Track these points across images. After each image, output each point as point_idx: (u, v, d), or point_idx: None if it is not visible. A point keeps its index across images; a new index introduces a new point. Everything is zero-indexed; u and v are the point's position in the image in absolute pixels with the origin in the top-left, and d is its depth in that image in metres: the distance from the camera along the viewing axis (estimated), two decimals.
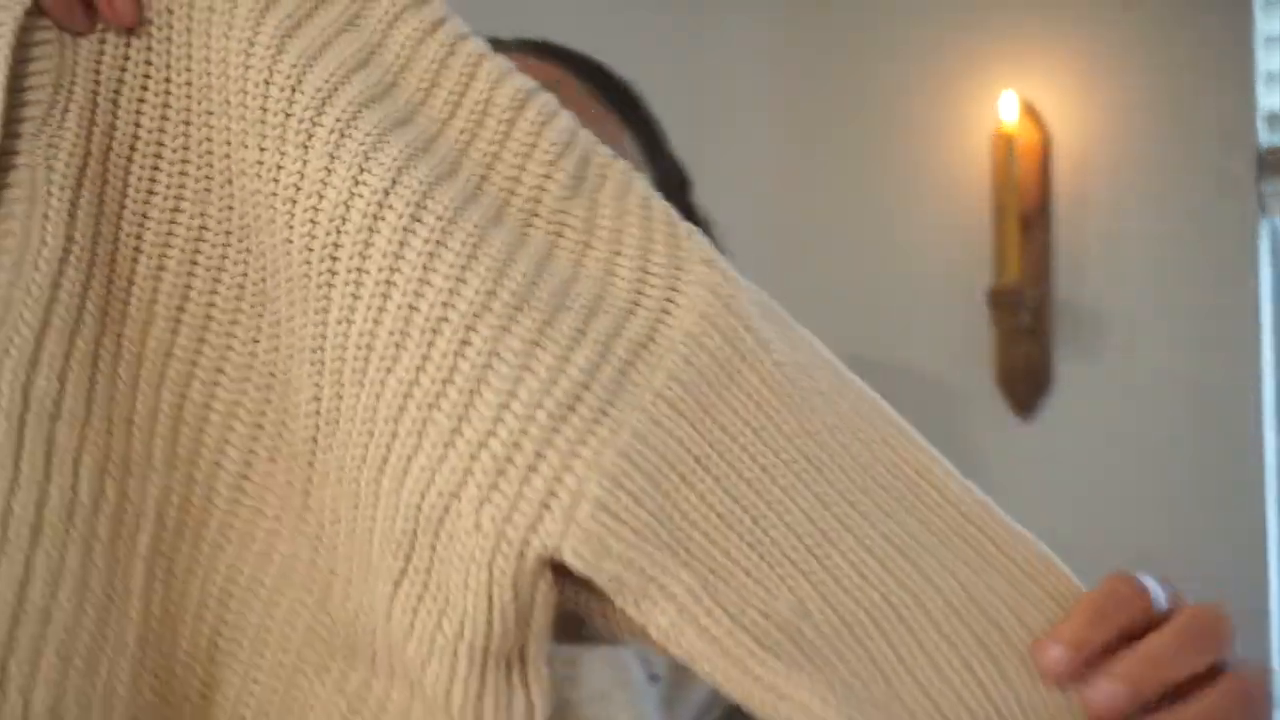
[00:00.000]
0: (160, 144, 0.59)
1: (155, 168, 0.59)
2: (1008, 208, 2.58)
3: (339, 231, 0.54)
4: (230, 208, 0.58)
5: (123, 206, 0.58)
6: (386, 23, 0.58)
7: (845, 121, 2.65)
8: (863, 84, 2.69)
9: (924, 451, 0.60)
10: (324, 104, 0.55)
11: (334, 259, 0.54)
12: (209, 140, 0.58)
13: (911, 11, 2.69)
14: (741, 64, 2.70)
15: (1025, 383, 2.62)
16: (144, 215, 0.59)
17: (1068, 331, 2.62)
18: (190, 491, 0.58)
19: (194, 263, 0.59)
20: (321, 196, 0.54)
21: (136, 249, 0.58)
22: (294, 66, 0.55)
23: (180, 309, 0.58)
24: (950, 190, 2.66)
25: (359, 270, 0.54)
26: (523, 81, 0.59)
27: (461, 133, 0.58)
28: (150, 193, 0.59)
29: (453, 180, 0.56)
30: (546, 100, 0.60)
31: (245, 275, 0.58)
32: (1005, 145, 2.57)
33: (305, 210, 0.55)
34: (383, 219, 0.54)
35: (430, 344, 0.53)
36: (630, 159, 0.78)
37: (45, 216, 0.55)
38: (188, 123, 0.58)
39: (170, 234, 0.59)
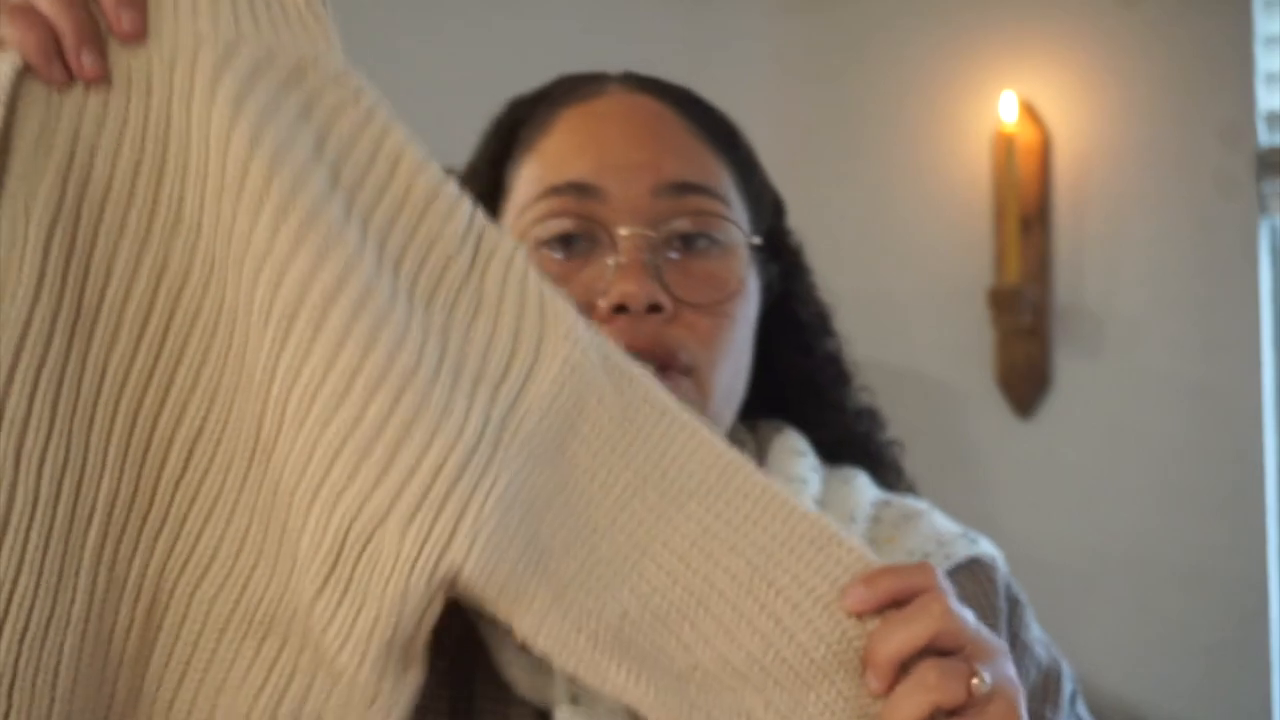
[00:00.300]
0: (133, 190, 0.69)
1: (127, 211, 0.69)
2: (1008, 208, 2.58)
3: (299, 301, 0.66)
4: (193, 252, 0.69)
5: (94, 244, 0.68)
6: (331, 115, 0.70)
7: (845, 122, 2.66)
8: (863, 84, 2.69)
9: (723, 454, 0.73)
10: (294, 194, 0.67)
11: (291, 320, 0.67)
12: (180, 192, 0.69)
13: (911, 12, 2.69)
14: (741, 65, 2.70)
15: (1025, 382, 2.62)
16: (114, 250, 0.68)
17: (1067, 331, 2.62)
18: (137, 487, 0.69)
19: (155, 293, 0.69)
20: (286, 270, 0.66)
21: (106, 279, 0.68)
22: (270, 156, 0.67)
23: (141, 332, 0.69)
24: (950, 190, 2.66)
25: (312, 335, 0.67)
26: (433, 175, 0.72)
27: (386, 219, 0.70)
28: (121, 232, 0.68)
29: (381, 271, 0.69)
30: (451, 191, 0.72)
31: (201, 307, 0.70)
32: (1005, 145, 2.58)
33: (270, 276, 0.67)
34: (338, 298, 0.67)
35: (367, 402, 0.67)
36: (724, 191, 0.86)
37: (22, 256, 0.65)
38: (160, 174, 0.69)
39: (137, 268, 0.69)
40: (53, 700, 0.66)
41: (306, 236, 0.67)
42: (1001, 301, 2.58)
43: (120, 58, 0.68)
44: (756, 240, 0.90)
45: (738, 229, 0.88)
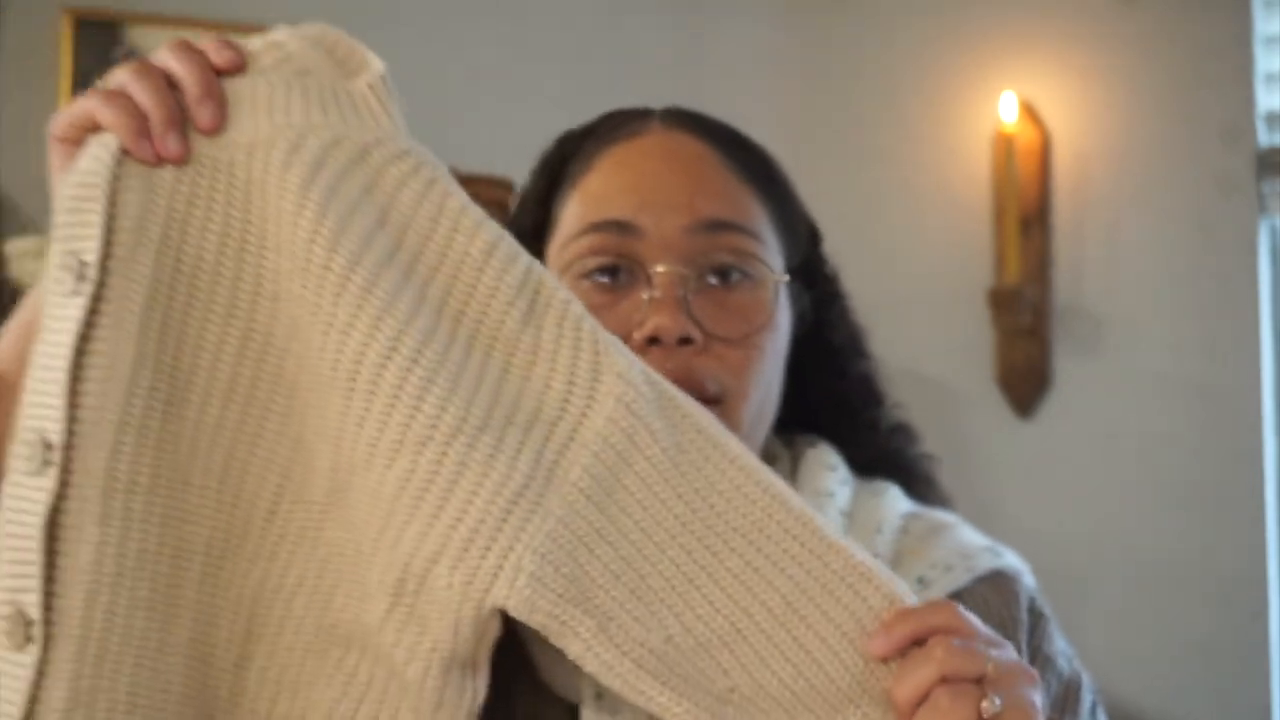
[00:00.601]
0: (219, 264, 0.76)
1: (215, 283, 0.76)
2: (1008, 208, 2.58)
3: (359, 363, 0.74)
4: (275, 318, 0.77)
5: (187, 314, 0.76)
6: (394, 189, 0.77)
7: (845, 122, 2.66)
8: (862, 84, 2.69)
9: (767, 490, 0.78)
10: (353, 267, 0.74)
11: (354, 380, 0.75)
12: (261, 265, 0.76)
13: (911, 12, 2.69)
14: (741, 64, 2.70)
15: (1025, 382, 2.62)
16: (205, 319, 0.76)
17: (1067, 331, 2.62)
18: (231, 527, 0.78)
19: (241, 356, 0.77)
20: (347, 336, 0.74)
21: (198, 346, 0.76)
22: (332, 233, 0.74)
23: (230, 391, 0.77)
24: (950, 191, 2.66)
25: (371, 393, 0.74)
26: (490, 233, 0.78)
27: (448, 279, 0.77)
28: (210, 302, 0.76)
29: (440, 324, 0.76)
30: (508, 246, 0.78)
31: (282, 367, 0.78)
32: (1005, 145, 2.58)
33: (335, 341, 0.75)
34: (391, 360, 0.74)
35: (419, 453, 0.74)
36: (757, 227, 0.92)
37: (124, 337, 0.73)
38: (243, 250, 0.76)
39: (225, 334, 0.77)
40: (165, 710, 0.75)
41: (364, 306, 0.74)
42: (1001, 301, 2.59)
43: (205, 145, 0.76)
44: (785, 278, 0.95)
45: (768, 267, 0.93)
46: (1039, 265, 2.61)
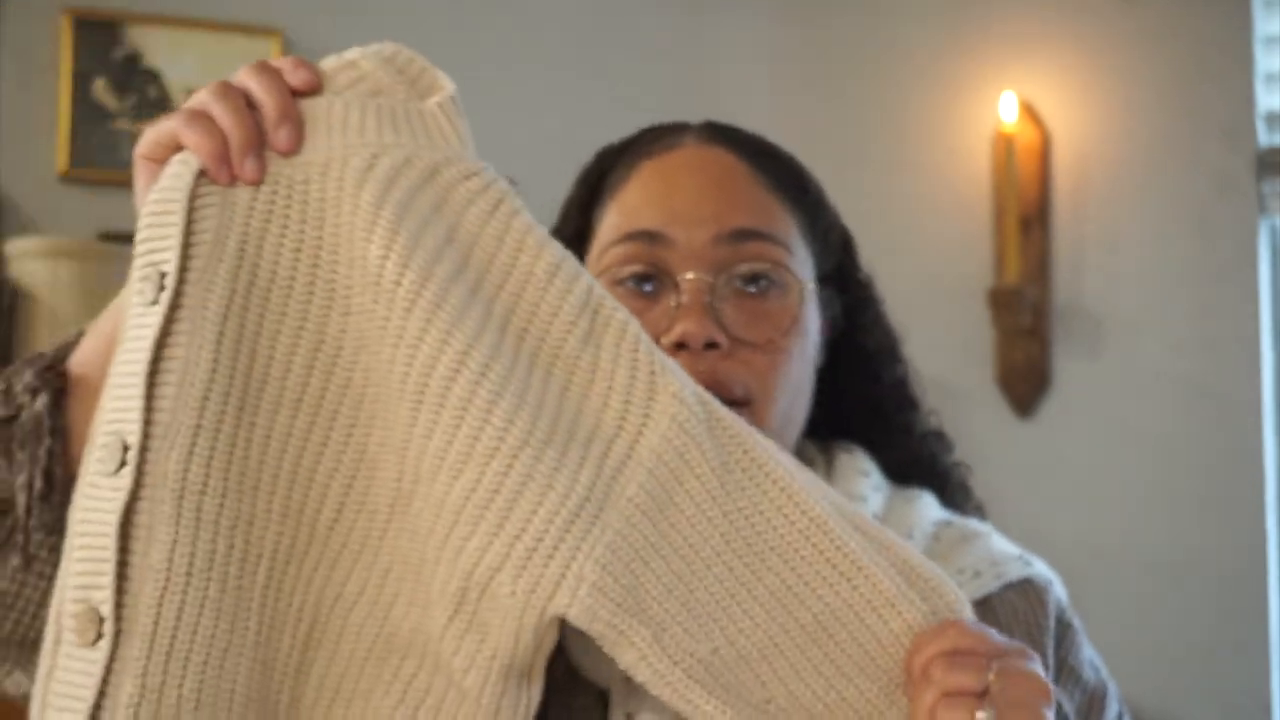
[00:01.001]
0: (293, 277, 0.79)
1: (288, 296, 0.79)
2: (1008, 208, 2.58)
3: (428, 375, 0.77)
4: (344, 331, 0.80)
5: (261, 324, 0.79)
6: (462, 207, 0.80)
7: (845, 122, 2.66)
8: (862, 85, 2.70)
9: (806, 512, 0.81)
10: (424, 282, 0.77)
11: (422, 392, 0.77)
12: (333, 280, 0.80)
13: (911, 12, 2.69)
14: (741, 64, 2.70)
15: (1025, 382, 2.62)
16: (278, 330, 0.79)
17: (1067, 331, 2.62)
18: (297, 534, 0.81)
19: (311, 367, 0.80)
20: (417, 349, 0.77)
21: (270, 356, 0.79)
22: (404, 249, 0.77)
23: (299, 400, 0.80)
24: (950, 191, 2.66)
25: (439, 406, 0.77)
26: (554, 254, 0.81)
27: (512, 297, 0.80)
28: (284, 314, 0.79)
29: (504, 341, 0.79)
30: (570, 265, 0.81)
31: (351, 378, 0.80)
32: (1005, 145, 2.58)
33: (405, 354, 0.78)
34: (460, 373, 0.77)
35: (486, 465, 0.77)
36: (785, 236, 0.96)
37: (200, 346, 0.77)
38: (315, 265, 0.79)
39: (296, 344, 0.80)
40: (230, 711, 0.78)
41: (433, 320, 0.77)
42: (1001, 301, 2.59)
43: (282, 164, 0.79)
44: (810, 286, 0.98)
45: (794, 275, 0.96)
46: (1039, 265, 2.61)
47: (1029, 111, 2.61)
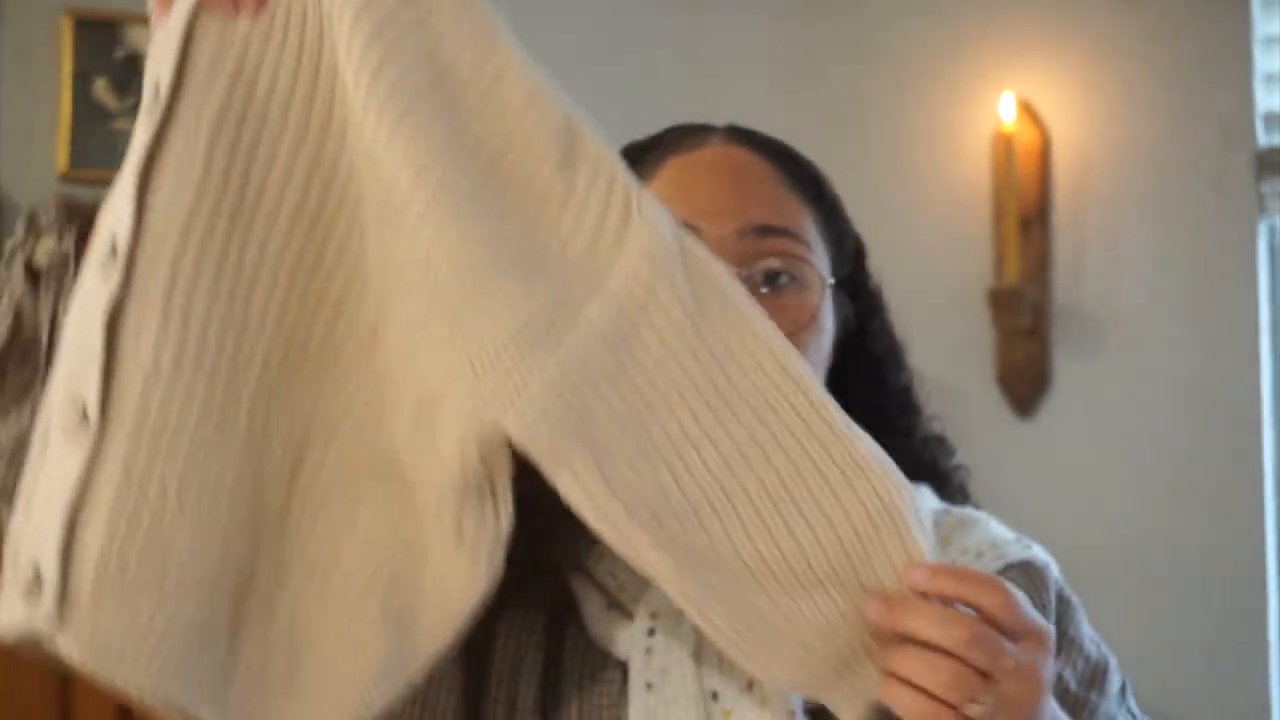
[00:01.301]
0: (291, 94, 0.80)
1: (287, 111, 0.79)
2: (1007, 208, 2.58)
3: (392, 189, 0.76)
4: (342, 148, 0.80)
5: (259, 138, 0.79)
6: (446, 27, 0.80)
7: (845, 123, 2.66)
8: (862, 85, 2.70)
9: (785, 368, 0.79)
10: (393, 92, 0.77)
11: (387, 206, 0.77)
12: (331, 96, 0.79)
13: (911, 13, 2.69)
14: (741, 64, 2.70)
15: (1025, 382, 2.62)
16: (276, 145, 0.79)
17: (1067, 331, 2.62)
18: (290, 346, 0.81)
19: (309, 181, 0.80)
20: (384, 161, 0.76)
21: (268, 169, 0.79)
22: (378, 58, 0.77)
23: (296, 213, 0.80)
24: (950, 191, 2.66)
25: (399, 219, 0.76)
26: (534, 79, 0.81)
27: (490, 120, 0.79)
28: (282, 128, 0.79)
29: (477, 158, 0.79)
30: (548, 94, 0.80)
31: (345, 195, 0.80)
32: (1005, 146, 2.58)
33: (375, 167, 0.77)
34: (420, 186, 0.76)
35: (441, 279, 0.76)
36: (806, 234, 0.97)
37: (193, 151, 0.77)
38: (315, 80, 0.80)
39: (294, 160, 0.80)
40: (215, 511, 0.77)
41: (399, 131, 0.76)
42: (1001, 302, 2.59)
43: None
44: (831, 280, 1.00)
45: (814, 269, 0.98)
46: (1039, 265, 2.61)
47: (1029, 112, 2.61)
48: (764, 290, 0.95)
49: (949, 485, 1.09)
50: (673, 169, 1.00)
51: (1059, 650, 0.97)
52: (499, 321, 0.76)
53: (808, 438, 0.79)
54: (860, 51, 2.70)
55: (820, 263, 0.99)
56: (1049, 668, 0.78)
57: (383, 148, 0.77)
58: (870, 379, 1.06)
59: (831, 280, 1.00)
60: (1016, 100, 2.59)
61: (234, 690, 0.78)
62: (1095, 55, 2.63)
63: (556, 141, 0.80)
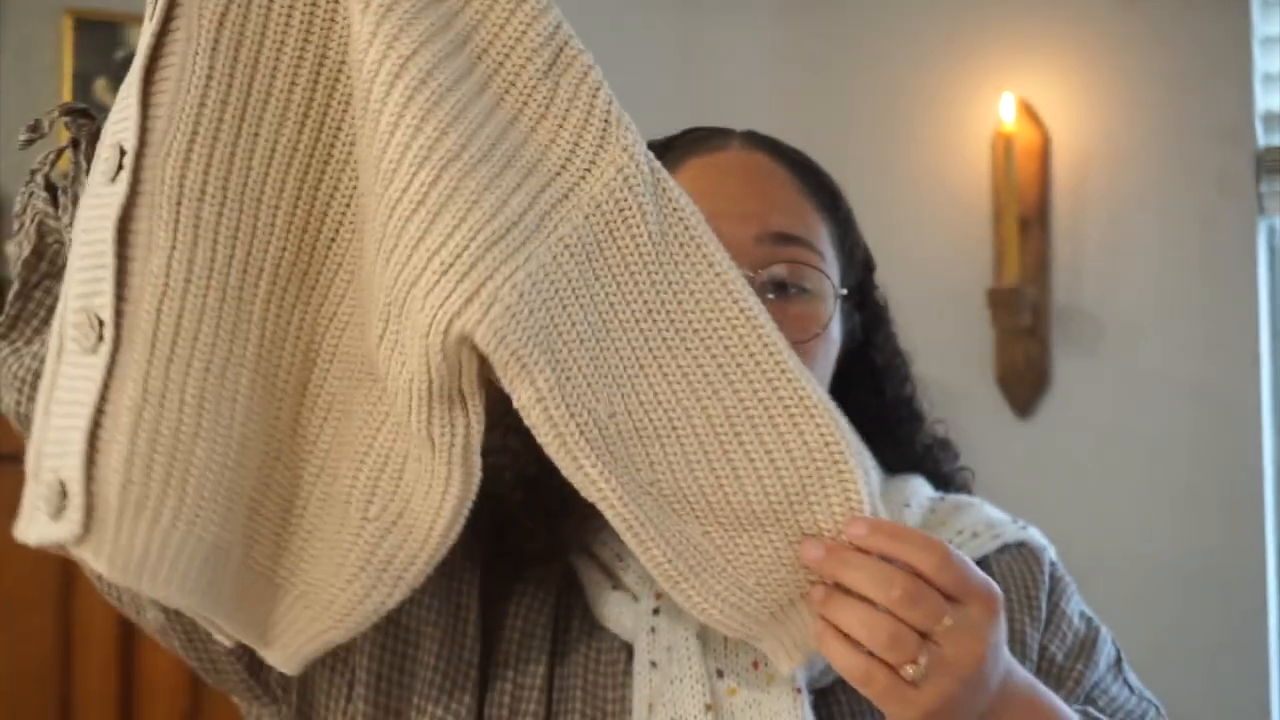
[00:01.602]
0: None
1: (291, 8, 0.78)
2: (1007, 208, 2.58)
3: (373, 80, 0.75)
4: (345, 42, 0.78)
5: (263, 38, 0.78)
6: None
7: (845, 123, 2.66)
8: (862, 85, 2.70)
9: (739, 303, 0.79)
10: None
11: (368, 99, 0.76)
12: None
13: (911, 12, 2.69)
14: (741, 64, 2.70)
15: (1024, 382, 2.62)
16: (280, 45, 0.78)
17: (1067, 332, 2.62)
18: (300, 250, 0.80)
19: (316, 81, 0.79)
20: (367, 53, 0.75)
21: (274, 68, 0.78)
22: None
23: (304, 115, 0.79)
24: (950, 191, 2.67)
25: (379, 112, 0.75)
26: None
27: (477, 12, 0.78)
28: (287, 26, 0.78)
29: (458, 55, 0.77)
30: None
31: (350, 95, 0.79)
32: (1005, 146, 2.58)
33: (357, 57, 0.76)
34: (400, 78, 0.74)
35: (414, 174, 0.74)
36: (820, 244, 0.98)
37: (195, 51, 0.76)
38: None
39: (301, 58, 0.79)
40: (233, 421, 0.77)
41: (384, 22, 0.75)
42: (1001, 302, 2.59)
43: None
44: (843, 291, 1.00)
45: (828, 279, 0.98)
46: (1038, 265, 2.61)
47: (1028, 112, 2.61)
48: (771, 296, 0.96)
49: (950, 487, 1.10)
50: (693, 169, 1.00)
51: (1048, 624, 1.00)
52: (469, 222, 0.75)
53: (756, 374, 0.79)
54: (860, 51, 2.71)
55: (833, 273, 0.99)
56: (995, 630, 0.78)
57: (365, 41, 0.75)
58: (871, 389, 1.07)
59: (843, 291, 1.00)
60: (1016, 100, 2.59)
61: (245, 594, 0.80)
62: (1095, 55, 2.63)
63: (545, 46, 0.80)
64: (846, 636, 0.76)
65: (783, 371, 0.79)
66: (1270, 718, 2.51)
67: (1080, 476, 2.58)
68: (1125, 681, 1.02)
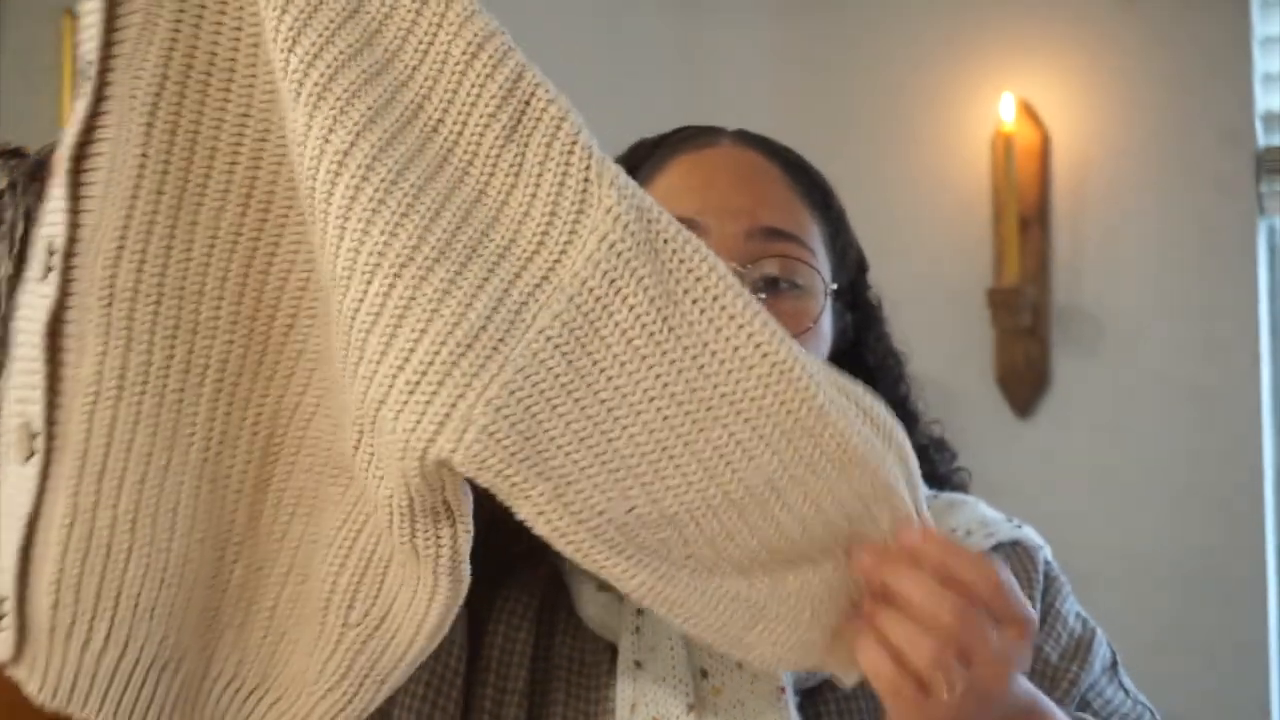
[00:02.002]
0: (233, 63, 0.71)
1: (228, 82, 0.71)
2: (1007, 208, 2.58)
3: (314, 176, 0.67)
4: (287, 120, 0.70)
5: (201, 115, 0.71)
6: None
7: (845, 123, 2.66)
8: (862, 85, 2.69)
9: (769, 355, 0.70)
10: (314, 59, 0.66)
11: (312, 195, 0.67)
12: (269, 64, 0.70)
13: (911, 13, 2.69)
14: (740, 64, 2.70)
15: (1024, 382, 2.62)
16: (220, 119, 0.71)
17: (1066, 332, 2.62)
18: (250, 342, 0.74)
19: (258, 158, 0.72)
20: (305, 143, 0.67)
21: (213, 149, 0.71)
22: (291, 27, 0.67)
23: (247, 197, 0.72)
24: (949, 191, 2.66)
25: (325, 214, 0.67)
26: (479, 27, 0.70)
27: (425, 80, 0.69)
28: (225, 103, 0.71)
29: (406, 134, 0.68)
30: (497, 46, 0.70)
31: (295, 177, 0.71)
32: (1004, 146, 2.58)
33: (297, 156, 0.68)
34: (341, 174, 0.66)
35: (367, 285, 0.67)
36: (811, 241, 0.97)
37: (127, 136, 0.69)
38: (256, 46, 0.71)
39: (240, 137, 0.72)
40: (172, 533, 0.72)
41: (320, 107, 0.67)
42: (1001, 301, 2.59)
43: None
44: (833, 286, 1.00)
45: (818, 275, 0.98)
46: (1038, 265, 2.61)
47: (1028, 112, 2.61)
48: (767, 283, 0.95)
49: (947, 488, 1.10)
50: (683, 165, 0.99)
51: (1042, 623, 0.98)
52: (430, 334, 0.66)
53: (796, 431, 0.71)
54: (860, 51, 2.70)
55: (823, 270, 0.99)
56: (1025, 657, 0.77)
57: (300, 135, 0.67)
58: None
59: (834, 286, 1.00)
60: (1016, 100, 2.59)
61: (206, 702, 0.76)
62: (1095, 55, 2.63)
63: (506, 104, 0.69)
64: (883, 643, 0.74)
65: (825, 425, 0.71)
66: (1270, 718, 2.51)
67: (1080, 477, 2.58)
68: (1121, 685, 1.01)
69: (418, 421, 0.66)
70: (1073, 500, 2.55)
